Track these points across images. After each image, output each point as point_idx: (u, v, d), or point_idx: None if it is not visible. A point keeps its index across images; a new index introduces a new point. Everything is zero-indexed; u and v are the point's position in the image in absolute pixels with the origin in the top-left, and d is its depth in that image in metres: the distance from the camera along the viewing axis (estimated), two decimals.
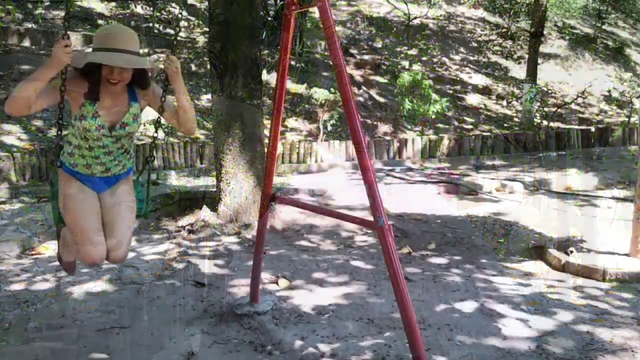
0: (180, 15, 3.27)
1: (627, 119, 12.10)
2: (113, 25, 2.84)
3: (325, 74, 12.09)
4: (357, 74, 12.70)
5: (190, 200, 6.25)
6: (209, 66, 5.73)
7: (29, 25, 12.05)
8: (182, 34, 13.45)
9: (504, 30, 17.61)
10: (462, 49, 16.25)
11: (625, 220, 5.33)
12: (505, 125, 12.13)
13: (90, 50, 2.72)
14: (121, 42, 2.59)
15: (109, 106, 2.70)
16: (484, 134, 10.59)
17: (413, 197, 7.18)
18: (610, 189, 7.72)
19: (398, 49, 15.51)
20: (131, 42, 2.63)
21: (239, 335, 3.32)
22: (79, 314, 3.59)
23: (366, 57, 13.53)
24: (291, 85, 10.92)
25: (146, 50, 11.70)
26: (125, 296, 3.86)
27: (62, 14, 12.92)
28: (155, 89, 2.87)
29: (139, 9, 14.30)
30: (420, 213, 6.31)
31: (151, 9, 13.95)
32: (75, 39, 11.34)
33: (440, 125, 11.25)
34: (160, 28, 13.61)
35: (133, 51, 2.62)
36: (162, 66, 2.76)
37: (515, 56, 16.51)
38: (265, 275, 4.21)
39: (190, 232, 5.38)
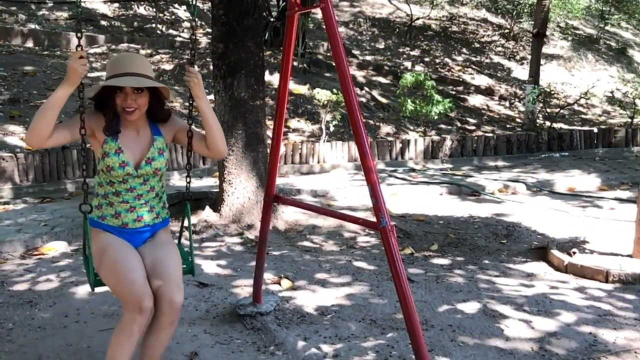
0: (194, 24, 3.15)
1: (630, 120, 12.08)
2: (122, 53, 2.77)
3: (327, 74, 12.10)
4: (359, 75, 12.71)
5: (193, 201, 6.26)
6: (211, 67, 5.73)
7: (32, 26, 12.08)
8: (184, 34, 13.48)
9: (507, 31, 17.61)
10: (464, 50, 16.24)
11: (628, 222, 5.33)
12: (508, 126, 12.12)
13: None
14: (131, 66, 2.51)
15: (131, 141, 2.59)
16: (487, 134, 10.59)
17: (415, 197, 7.19)
18: (613, 190, 7.72)
19: (400, 50, 15.52)
20: (142, 65, 2.55)
21: (242, 335, 3.33)
22: (82, 315, 3.59)
23: (369, 57, 13.53)
24: (293, 86, 10.92)
25: (149, 52, 11.73)
26: None
27: (65, 14, 12.96)
28: (177, 119, 2.76)
29: (142, 10, 14.33)
30: (423, 214, 6.32)
31: (154, 9, 13.99)
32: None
33: (443, 126, 11.24)
34: (163, 29, 13.64)
35: (145, 74, 2.53)
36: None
37: (517, 57, 16.50)
38: (268, 276, 4.21)
39: (193, 232, 5.39)
